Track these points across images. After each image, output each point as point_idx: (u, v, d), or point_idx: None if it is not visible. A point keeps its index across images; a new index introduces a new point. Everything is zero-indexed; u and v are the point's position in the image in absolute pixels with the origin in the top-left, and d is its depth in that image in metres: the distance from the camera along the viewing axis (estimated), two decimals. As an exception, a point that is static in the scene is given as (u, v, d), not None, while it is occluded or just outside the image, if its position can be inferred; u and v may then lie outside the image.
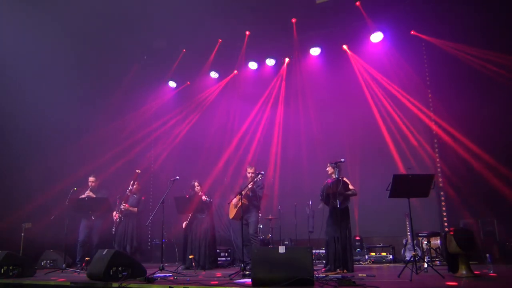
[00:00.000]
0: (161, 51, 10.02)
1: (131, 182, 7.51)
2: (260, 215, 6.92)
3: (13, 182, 7.97)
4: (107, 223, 7.47)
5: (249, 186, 6.59)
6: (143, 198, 7.84)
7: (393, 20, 8.57)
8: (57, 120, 8.59)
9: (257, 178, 6.60)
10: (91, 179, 7.55)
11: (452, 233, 4.65)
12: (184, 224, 7.30)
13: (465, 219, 7.30)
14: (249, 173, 6.89)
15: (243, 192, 6.36)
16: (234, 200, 6.59)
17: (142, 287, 4.32)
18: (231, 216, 6.98)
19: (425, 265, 5.37)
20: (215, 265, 7.29)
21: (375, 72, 8.97)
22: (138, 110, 10.76)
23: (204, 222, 7.17)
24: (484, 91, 7.56)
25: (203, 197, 7.03)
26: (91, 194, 7.37)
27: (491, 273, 4.82)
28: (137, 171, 7.43)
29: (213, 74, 10.70)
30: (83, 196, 7.30)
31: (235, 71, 10.54)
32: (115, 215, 7.36)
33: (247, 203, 6.72)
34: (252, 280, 4.09)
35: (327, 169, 6.18)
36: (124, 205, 7.32)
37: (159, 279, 4.82)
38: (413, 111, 8.40)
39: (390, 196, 5.07)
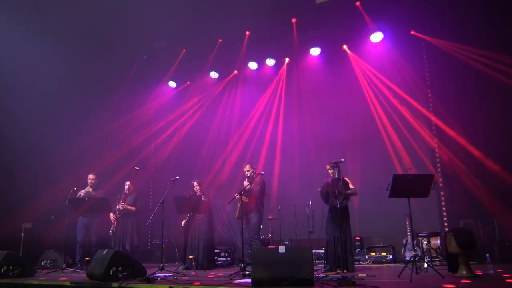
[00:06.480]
0: (161, 51, 10.02)
1: (128, 182, 7.52)
2: (261, 215, 6.86)
3: (13, 182, 7.97)
4: (105, 223, 7.46)
5: (245, 183, 6.56)
6: (138, 198, 7.87)
7: (393, 20, 8.56)
8: (58, 120, 8.61)
9: (249, 173, 6.57)
10: (90, 176, 7.50)
11: (452, 233, 4.65)
12: (183, 223, 7.29)
13: (465, 219, 7.30)
14: (245, 172, 6.90)
15: (242, 192, 6.34)
16: (237, 196, 6.54)
17: (142, 287, 4.32)
18: (236, 215, 6.93)
19: (425, 265, 5.38)
20: (213, 265, 7.30)
21: (375, 72, 8.95)
22: (138, 110, 10.75)
23: (203, 222, 7.18)
24: (484, 91, 7.54)
25: (202, 197, 7.04)
26: (90, 190, 7.33)
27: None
28: (135, 168, 7.44)
29: (213, 74, 10.68)
30: (82, 191, 7.26)
31: (235, 71, 10.54)
32: (112, 216, 7.35)
33: (248, 201, 6.70)
34: (252, 280, 4.09)
35: (327, 168, 6.18)
36: (122, 204, 7.32)
37: (159, 279, 4.82)
38: (413, 111, 8.40)
39: (390, 196, 5.07)
